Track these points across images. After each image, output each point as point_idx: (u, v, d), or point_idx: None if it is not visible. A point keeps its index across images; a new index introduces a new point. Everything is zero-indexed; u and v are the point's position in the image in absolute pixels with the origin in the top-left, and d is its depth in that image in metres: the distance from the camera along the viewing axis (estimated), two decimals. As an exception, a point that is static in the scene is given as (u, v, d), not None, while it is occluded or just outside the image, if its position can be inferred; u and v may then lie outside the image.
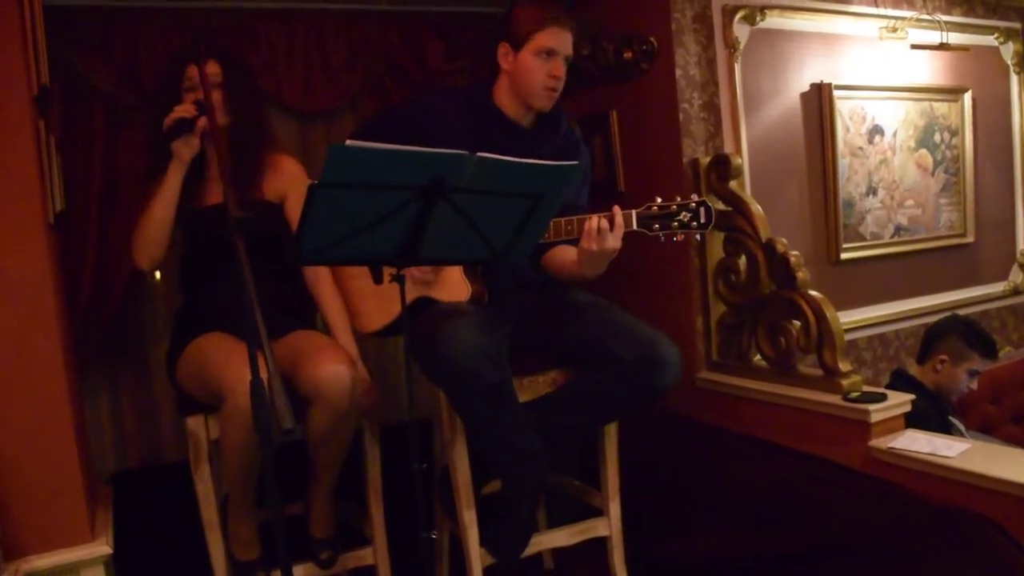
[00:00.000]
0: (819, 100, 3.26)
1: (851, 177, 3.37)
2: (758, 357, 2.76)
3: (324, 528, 2.13)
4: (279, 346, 2.00)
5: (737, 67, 3.00)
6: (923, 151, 3.64)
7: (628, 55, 3.01)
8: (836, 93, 3.27)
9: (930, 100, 3.64)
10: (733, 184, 2.73)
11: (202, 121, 1.95)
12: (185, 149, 1.98)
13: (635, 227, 1.84)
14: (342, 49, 3.06)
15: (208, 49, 2.13)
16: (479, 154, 1.46)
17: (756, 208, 2.67)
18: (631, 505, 2.22)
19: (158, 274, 2.92)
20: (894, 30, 3.44)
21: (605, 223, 1.80)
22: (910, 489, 2.17)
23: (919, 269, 3.63)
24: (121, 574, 2.13)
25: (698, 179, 2.82)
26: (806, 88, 3.23)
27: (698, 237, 1.95)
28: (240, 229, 1.54)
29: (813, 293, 2.53)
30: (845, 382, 2.45)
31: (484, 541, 2.05)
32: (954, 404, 2.93)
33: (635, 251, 1.97)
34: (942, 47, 3.50)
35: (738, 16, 2.99)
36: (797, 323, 2.55)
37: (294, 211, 2.14)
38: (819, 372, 2.53)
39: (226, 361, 1.86)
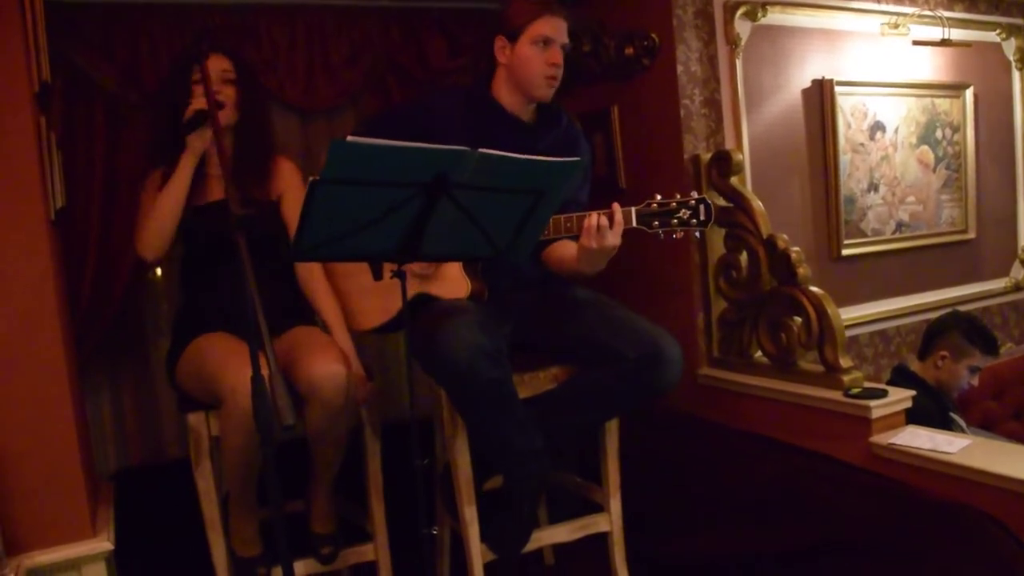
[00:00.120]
0: (820, 96, 3.25)
1: (852, 173, 3.37)
2: (759, 353, 2.76)
3: (325, 524, 2.14)
4: (277, 343, 1.99)
5: (738, 63, 2.99)
6: (924, 147, 3.63)
7: (629, 51, 3.00)
8: (838, 89, 3.26)
9: (932, 96, 3.63)
10: (734, 180, 2.73)
11: (220, 114, 1.95)
12: (199, 142, 2.00)
13: (635, 224, 1.84)
14: (343, 46, 3.05)
15: (217, 45, 2.13)
16: (481, 150, 1.46)
17: (757, 204, 2.66)
18: (632, 502, 2.22)
19: (159, 271, 2.93)
20: (896, 26, 3.43)
21: (605, 220, 1.80)
22: (911, 485, 2.17)
23: (920, 265, 3.62)
24: (123, 571, 2.14)
25: (699, 175, 2.81)
26: (807, 84, 3.22)
27: (697, 234, 1.94)
28: (242, 227, 1.54)
29: (814, 289, 2.52)
30: (846, 378, 2.45)
31: (485, 537, 2.05)
32: (955, 400, 2.93)
33: (636, 248, 1.97)
34: (944, 43, 3.50)
35: (739, 12, 2.98)
36: (798, 319, 2.55)
37: (290, 211, 2.15)
38: (820, 368, 2.53)
39: (226, 361, 1.86)
